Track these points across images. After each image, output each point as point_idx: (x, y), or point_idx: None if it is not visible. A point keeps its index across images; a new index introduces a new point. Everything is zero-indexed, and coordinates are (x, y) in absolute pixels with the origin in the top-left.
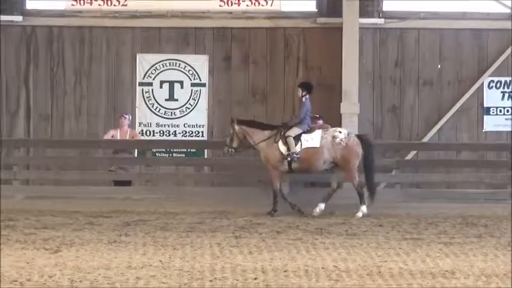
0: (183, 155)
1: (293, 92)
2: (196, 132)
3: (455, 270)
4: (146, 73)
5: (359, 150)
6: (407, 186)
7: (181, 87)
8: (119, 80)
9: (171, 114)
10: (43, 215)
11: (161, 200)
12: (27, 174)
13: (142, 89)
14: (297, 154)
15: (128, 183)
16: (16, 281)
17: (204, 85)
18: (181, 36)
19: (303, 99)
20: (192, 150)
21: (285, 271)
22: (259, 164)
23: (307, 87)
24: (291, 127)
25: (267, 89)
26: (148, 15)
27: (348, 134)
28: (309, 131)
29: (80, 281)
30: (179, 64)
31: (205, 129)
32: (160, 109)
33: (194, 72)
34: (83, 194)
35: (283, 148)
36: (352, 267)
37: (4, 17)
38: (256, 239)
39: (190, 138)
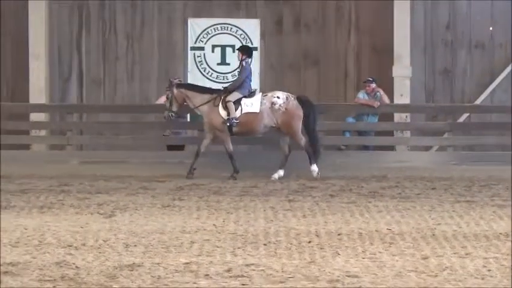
0: None
1: (345, 55)
2: None
3: (509, 233)
4: (198, 37)
5: (299, 112)
6: (460, 149)
7: (233, 51)
8: (171, 45)
9: (223, 79)
10: (97, 180)
11: (214, 164)
12: (81, 140)
13: (194, 54)
14: (236, 119)
15: (181, 147)
16: (71, 246)
17: (255, 49)
18: (232, 0)
19: (243, 63)
20: None
21: (338, 234)
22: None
23: (247, 51)
24: (231, 91)
25: (318, 52)
26: None
27: (287, 98)
28: (249, 95)
29: (135, 246)
30: (231, 28)
31: None
32: (212, 73)
33: (246, 36)
34: (136, 158)
35: (223, 113)
36: (406, 230)
37: None
38: (309, 203)
39: None
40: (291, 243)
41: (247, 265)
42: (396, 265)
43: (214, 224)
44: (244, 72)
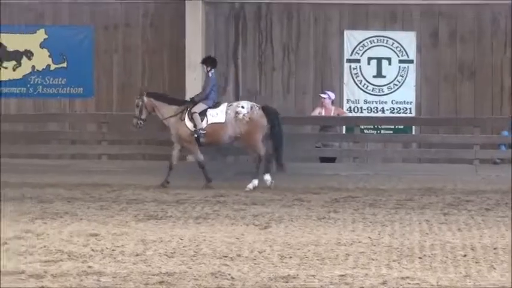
0: (391, 132)
1: (501, 68)
2: (404, 109)
3: None
4: (354, 50)
5: (263, 122)
6: None
7: (389, 63)
8: (327, 57)
9: (379, 91)
10: (252, 191)
11: (369, 176)
12: (237, 150)
13: (350, 66)
14: (203, 130)
15: (332, 159)
16: (226, 257)
17: (411, 62)
18: (388, 13)
19: (209, 74)
20: (399, 126)
21: (494, 248)
22: (465, 141)
23: (211, 62)
24: (196, 103)
25: (474, 65)
26: None
27: (251, 108)
28: (215, 106)
29: (290, 257)
30: (387, 41)
31: (413, 106)
32: (368, 86)
33: (402, 48)
34: (291, 170)
35: (189, 124)
36: None
37: None
38: (464, 216)
39: (398, 114)
40: (446, 257)
41: (402, 278)
42: None
43: (369, 237)
44: (209, 83)
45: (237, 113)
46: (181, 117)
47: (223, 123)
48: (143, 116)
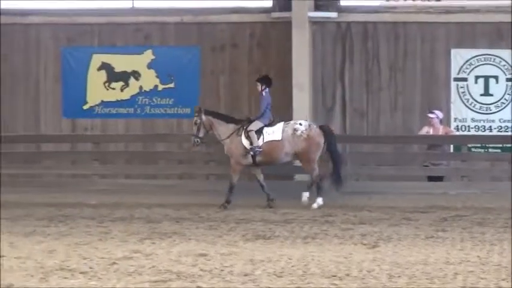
0: (499, 150)
1: None
2: None
3: None
4: (461, 68)
5: (321, 140)
6: None
7: (497, 82)
8: (434, 75)
9: (487, 110)
10: (360, 211)
11: (477, 195)
12: (344, 170)
13: (457, 85)
14: (259, 148)
15: (440, 178)
16: (335, 276)
17: None
18: (495, 31)
19: (263, 93)
20: (507, 145)
21: None
22: None
23: (265, 81)
24: (252, 121)
25: None
26: (462, 10)
27: (309, 126)
28: (271, 124)
29: (399, 276)
30: (494, 59)
31: None
32: (475, 104)
33: (509, 67)
34: (398, 189)
35: (245, 142)
36: None
37: (320, 14)
38: None
39: (505, 133)
40: None
41: None
42: None
43: (478, 256)
44: (264, 101)
45: (294, 130)
46: (237, 134)
47: (280, 140)
48: (201, 135)
